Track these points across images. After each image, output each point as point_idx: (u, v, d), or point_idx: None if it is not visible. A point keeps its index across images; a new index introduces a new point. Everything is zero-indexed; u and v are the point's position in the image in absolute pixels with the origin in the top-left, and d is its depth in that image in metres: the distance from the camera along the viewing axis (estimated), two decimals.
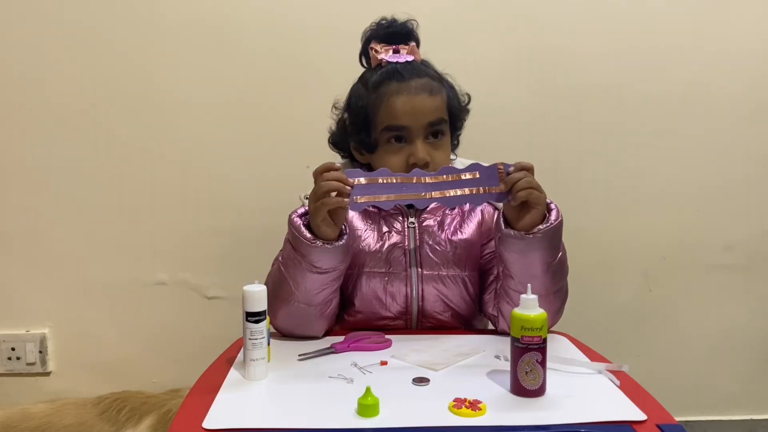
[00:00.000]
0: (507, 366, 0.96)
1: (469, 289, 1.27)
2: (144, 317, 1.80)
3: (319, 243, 1.10)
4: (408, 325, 1.26)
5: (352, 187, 1.08)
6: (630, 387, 0.96)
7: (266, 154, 1.75)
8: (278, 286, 1.16)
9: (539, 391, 0.93)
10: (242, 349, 1.01)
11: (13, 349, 1.79)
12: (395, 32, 1.27)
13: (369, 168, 1.26)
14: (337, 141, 1.34)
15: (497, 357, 1.07)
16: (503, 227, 1.13)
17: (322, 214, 1.09)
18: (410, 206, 1.25)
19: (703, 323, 1.86)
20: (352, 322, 1.26)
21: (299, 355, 1.09)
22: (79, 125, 1.73)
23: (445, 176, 1.11)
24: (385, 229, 1.26)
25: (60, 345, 1.81)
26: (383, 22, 1.28)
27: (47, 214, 1.76)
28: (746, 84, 1.78)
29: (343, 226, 1.14)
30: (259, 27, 1.71)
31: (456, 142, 1.33)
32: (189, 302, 1.80)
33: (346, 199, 1.07)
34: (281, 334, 1.20)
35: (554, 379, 0.95)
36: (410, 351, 1.10)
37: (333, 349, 1.11)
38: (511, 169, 1.10)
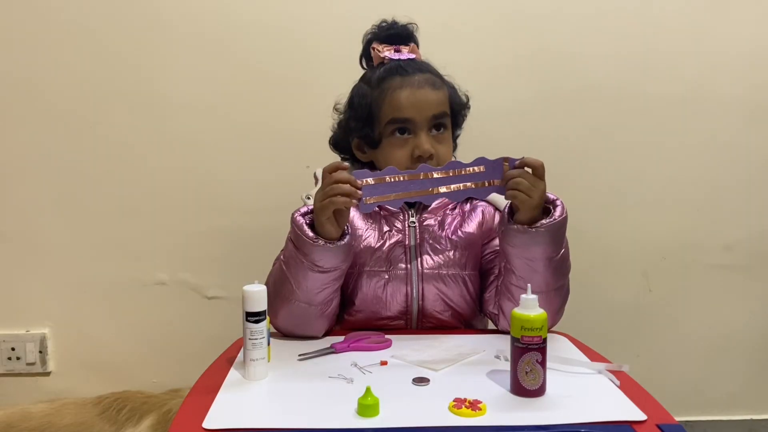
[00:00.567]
0: (507, 366, 0.96)
1: (470, 288, 1.28)
2: (144, 317, 1.80)
3: (321, 242, 1.11)
4: (408, 325, 1.26)
5: (360, 189, 1.08)
6: (630, 387, 0.96)
7: (266, 154, 1.75)
8: (279, 284, 1.16)
9: (539, 391, 0.93)
10: (242, 349, 1.01)
11: (13, 349, 1.79)
12: (396, 34, 1.28)
13: (371, 167, 1.27)
14: (338, 141, 1.34)
15: (497, 357, 1.07)
16: (507, 220, 1.13)
17: (327, 213, 1.09)
18: (412, 204, 1.26)
19: (703, 323, 1.86)
20: (353, 321, 1.26)
21: (299, 355, 1.09)
22: (79, 125, 1.73)
23: (452, 171, 1.11)
24: (386, 228, 1.26)
25: (60, 345, 1.81)
26: (384, 24, 1.29)
27: (47, 214, 1.76)
28: (746, 84, 1.78)
29: (346, 226, 1.15)
30: (259, 27, 1.71)
31: (454, 144, 1.33)
32: (189, 302, 1.80)
33: (355, 201, 1.08)
34: (281, 333, 1.20)
35: (554, 379, 0.95)
36: (410, 351, 1.10)
37: (333, 349, 1.11)
38: (517, 164, 1.10)
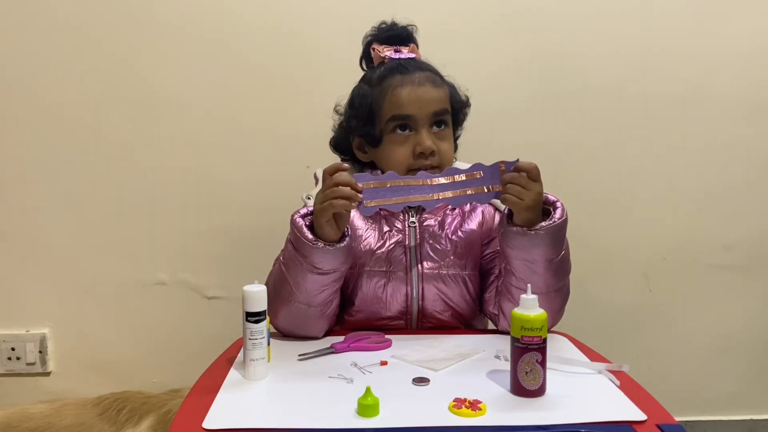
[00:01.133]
0: (507, 366, 0.96)
1: (470, 288, 1.28)
2: (144, 317, 1.80)
3: (320, 244, 1.11)
4: (408, 325, 1.26)
5: (361, 192, 1.09)
6: (630, 387, 0.96)
7: (266, 154, 1.75)
8: (279, 285, 1.16)
9: (539, 391, 0.93)
10: (242, 349, 1.01)
11: (13, 349, 1.79)
12: (396, 35, 1.29)
13: (372, 167, 1.28)
14: (339, 142, 1.34)
15: (497, 357, 1.07)
16: (506, 222, 1.13)
17: (327, 215, 1.09)
18: (411, 208, 1.26)
19: (703, 323, 1.86)
20: (353, 321, 1.26)
21: (299, 355, 1.09)
22: (79, 125, 1.73)
23: (450, 177, 1.12)
24: (386, 228, 1.26)
25: (60, 345, 1.81)
26: (383, 25, 1.30)
27: (47, 214, 1.76)
28: (746, 84, 1.78)
29: (346, 228, 1.15)
30: (259, 28, 1.71)
31: (455, 144, 1.33)
32: (189, 302, 1.80)
33: (354, 204, 1.08)
34: (281, 334, 1.20)
35: (554, 379, 0.95)
36: (410, 351, 1.10)
37: (333, 349, 1.11)
38: (512, 169, 1.11)
